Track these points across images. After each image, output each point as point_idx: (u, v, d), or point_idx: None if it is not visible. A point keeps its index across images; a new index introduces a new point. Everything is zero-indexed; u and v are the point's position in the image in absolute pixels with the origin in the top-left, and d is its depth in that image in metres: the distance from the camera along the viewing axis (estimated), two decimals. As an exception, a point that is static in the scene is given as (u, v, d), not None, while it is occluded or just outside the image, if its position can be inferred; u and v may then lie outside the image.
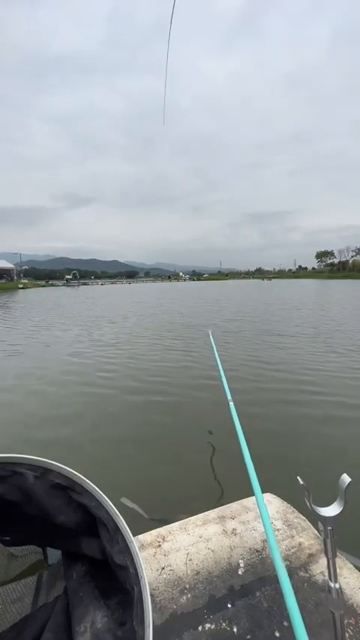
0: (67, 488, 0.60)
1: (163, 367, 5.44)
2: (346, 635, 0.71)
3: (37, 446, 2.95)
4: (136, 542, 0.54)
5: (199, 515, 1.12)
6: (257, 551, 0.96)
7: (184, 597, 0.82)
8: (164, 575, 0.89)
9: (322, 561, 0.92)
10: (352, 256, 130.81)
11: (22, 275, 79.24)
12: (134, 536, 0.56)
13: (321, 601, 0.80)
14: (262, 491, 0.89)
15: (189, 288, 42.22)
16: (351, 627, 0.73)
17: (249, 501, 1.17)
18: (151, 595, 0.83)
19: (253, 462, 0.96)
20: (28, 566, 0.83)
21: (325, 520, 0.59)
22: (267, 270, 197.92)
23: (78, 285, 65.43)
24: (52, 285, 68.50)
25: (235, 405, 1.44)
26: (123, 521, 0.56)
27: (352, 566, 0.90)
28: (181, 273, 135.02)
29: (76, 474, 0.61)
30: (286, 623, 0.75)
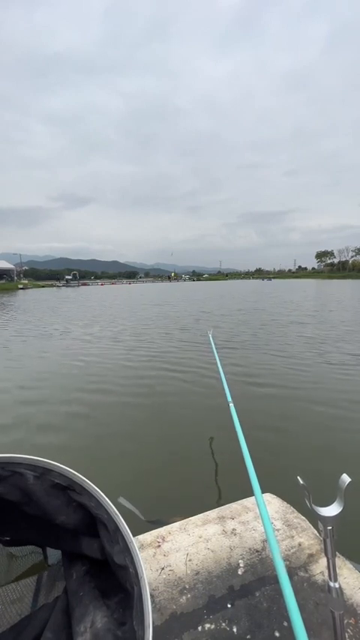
0: (67, 489, 0.60)
1: (163, 367, 5.44)
2: (346, 635, 0.71)
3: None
4: (135, 542, 0.54)
5: (199, 515, 1.12)
6: (257, 551, 0.96)
7: (184, 597, 0.82)
8: (164, 576, 0.89)
9: (322, 561, 0.92)
10: (352, 256, 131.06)
11: (22, 275, 79.19)
12: (134, 536, 0.56)
13: (321, 601, 0.80)
14: (262, 492, 0.89)
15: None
16: (351, 627, 0.73)
17: (249, 501, 1.17)
18: (151, 595, 0.82)
19: (252, 462, 0.96)
20: (28, 567, 0.83)
21: (325, 520, 0.59)
22: (267, 271, 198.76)
23: (78, 286, 65.36)
24: (51, 285, 68.50)
25: (235, 407, 1.45)
26: (123, 521, 0.56)
27: (351, 566, 0.90)
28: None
29: (76, 474, 0.61)
30: (286, 623, 0.75)
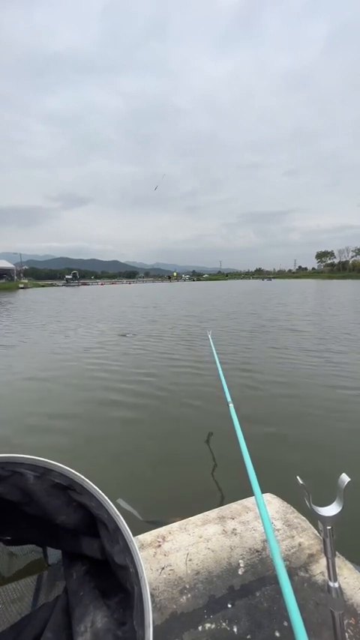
0: (67, 488, 0.60)
1: (162, 367, 5.44)
2: (346, 635, 0.71)
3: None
4: (136, 542, 0.54)
5: (199, 515, 1.12)
6: (257, 551, 0.96)
7: (184, 597, 0.82)
8: (164, 575, 0.89)
9: (323, 561, 0.92)
10: (352, 256, 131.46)
11: (22, 275, 79.27)
12: (134, 536, 0.56)
13: (321, 601, 0.80)
14: (262, 492, 0.89)
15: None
16: (351, 627, 0.74)
17: (249, 501, 1.17)
18: (151, 595, 0.83)
19: (252, 462, 0.96)
20: (28, 566, 0.83)
21: (325, 520, 0.59)
22: (267, 271, 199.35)
23: (78, 285, 65.37)
24: (51, 284, 68.57)
25: (234, 407, 1.45)
26: (123, 521, 0.56)
27: (351, 566, 0.90)
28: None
29: (76, 474, 0.61)
30: (286, 623, 0.75)
